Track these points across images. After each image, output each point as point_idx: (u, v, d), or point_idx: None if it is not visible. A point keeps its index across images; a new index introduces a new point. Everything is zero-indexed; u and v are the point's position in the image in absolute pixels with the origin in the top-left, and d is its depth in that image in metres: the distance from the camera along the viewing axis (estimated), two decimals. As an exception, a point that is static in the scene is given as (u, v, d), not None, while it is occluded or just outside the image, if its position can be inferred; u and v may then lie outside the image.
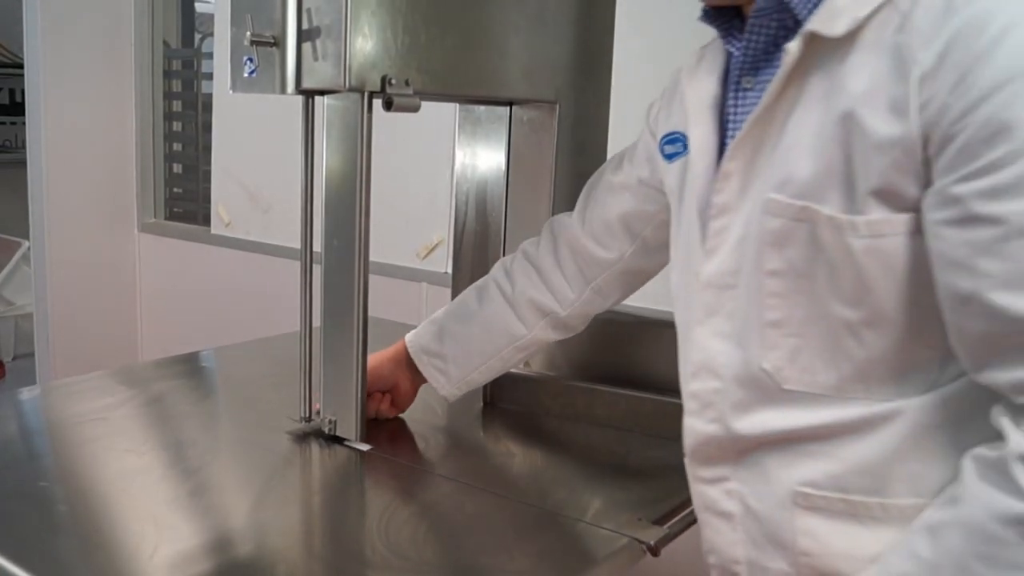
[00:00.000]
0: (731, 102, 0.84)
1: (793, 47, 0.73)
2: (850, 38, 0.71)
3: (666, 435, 1.24)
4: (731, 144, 0.80)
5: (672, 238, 0.93)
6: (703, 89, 0.87)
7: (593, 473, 1.15)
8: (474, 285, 1.24)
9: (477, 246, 1.49)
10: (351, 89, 1.04)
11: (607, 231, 1.12)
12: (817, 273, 0.74)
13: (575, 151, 1.40)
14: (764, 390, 0.78)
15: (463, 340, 1.21)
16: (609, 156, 1.48)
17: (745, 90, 0.82)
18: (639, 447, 1.23)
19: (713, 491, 0.84)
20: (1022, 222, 0.61)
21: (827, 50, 0.72)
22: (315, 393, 1.20)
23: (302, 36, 1.05)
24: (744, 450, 0.81)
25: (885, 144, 0.67)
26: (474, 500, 1.06)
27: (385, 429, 1.24)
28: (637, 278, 1.15)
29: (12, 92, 4.26)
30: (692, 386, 0.85)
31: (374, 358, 1.23)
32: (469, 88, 1.23)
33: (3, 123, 4.28)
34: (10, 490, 1.00)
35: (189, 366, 1.57)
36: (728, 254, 0.80)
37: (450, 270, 1.60)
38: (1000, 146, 0.61)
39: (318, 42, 1.05)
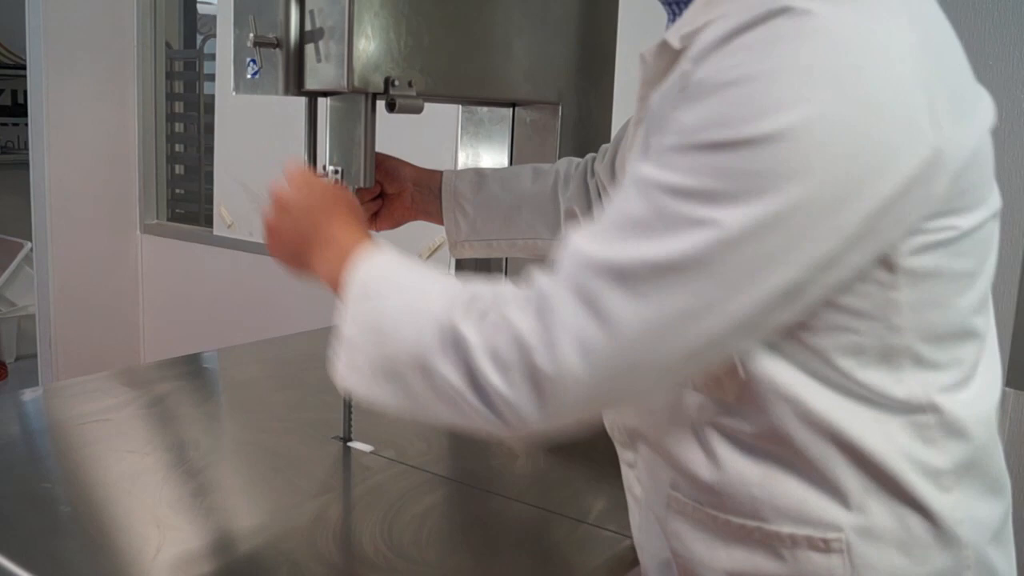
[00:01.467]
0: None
1: (647, 54, 0.72)
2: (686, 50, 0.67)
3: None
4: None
5: None
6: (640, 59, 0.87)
7: (596, 474, 1.15)
8: (534, 165, 1.19)
9: (479, 247, 1.49)
10: (354, 91, 1.05)
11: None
12: None
13: (577, 152, 1.40)
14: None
15: (497, 206, 1.16)
16: (611, 157, 1.48)
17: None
18: (641, 448, 1.23)
19: (629, 474, 0.84)
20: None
21: (678, 58, 0.69)
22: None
23: (305, 37, 1.06)
24: (637, 442, 0.80)
25: None
26: (477, 501, 1.06)
27: (388, 430, 1.24)
28: None
29: (14, 93, 4.27)
30: None
31: (398, 159, 1.18)
32: (472, 90, 1.24)
33: (5, 124, 4.29)
34: (13, 491, 1.00)
35: (191, 367, 1.57)
36: None
37: (453, 271, 1.60)
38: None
39: (321, 43, 1.05)
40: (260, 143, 2.67)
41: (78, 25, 2.90)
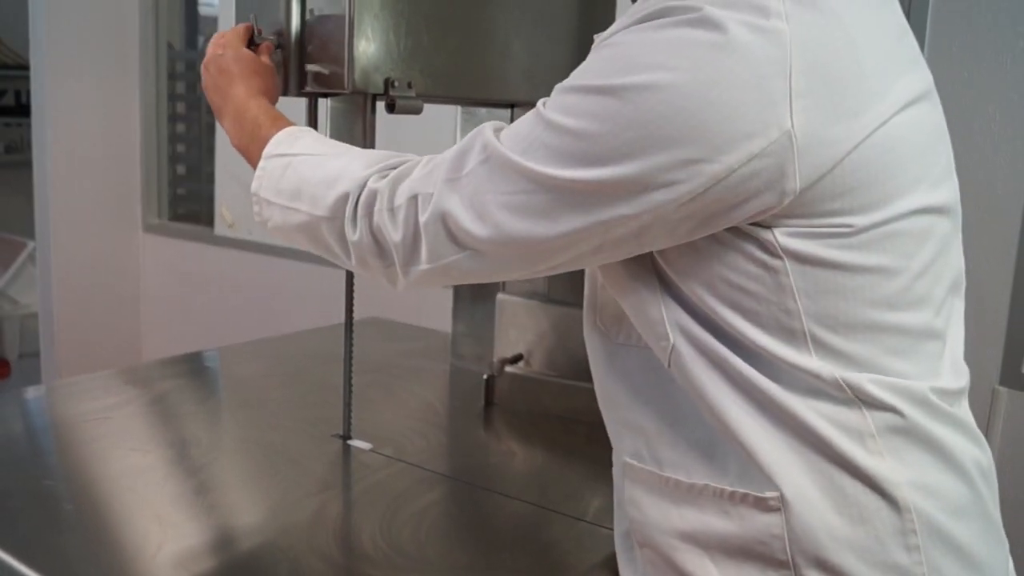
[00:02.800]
0: None
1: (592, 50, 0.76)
2: None
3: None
4: None
5: None
6: None
7: (594, 472, 1.15)
8: None
9: (479, 247, 1.49)
10: (354, 91, 1.05)
11: None
12: None
13: (576, 153, 1.40)
14: (602, 346, 0.82)
15: None
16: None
17: None
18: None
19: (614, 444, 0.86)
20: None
21: None
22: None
23: (305, 39, 1.06)
24: (605, 412, 0.83)
25: None
26: (475, 499, 1.07)
27: (387, 428, 1.25)
28: None
29: (18, 94, 4.28)
30: None
31: None
32: (471, 90, 1.24)
33: (9, 125, 4.29)
34: (15, 488, 1.01)
35: (193, 365, 1.58)
36: None
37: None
38: None
39: (321, 44, 1.05)
40: (262, 143, 2.67)
41: (81, 26, 2.91)
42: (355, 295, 1.19)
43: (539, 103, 0.70)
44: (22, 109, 4.15)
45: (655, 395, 0.75)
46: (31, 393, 1.39)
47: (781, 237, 0.65)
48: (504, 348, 1.43)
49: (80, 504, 0.98)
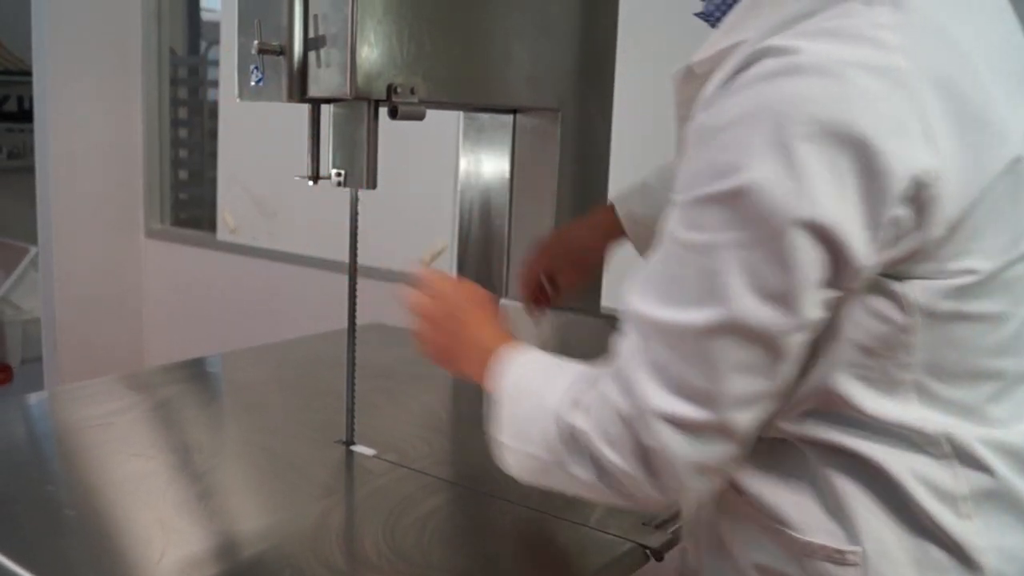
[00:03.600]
0: None
1: (676, 76, 0.75)
2: (705, 76, 0.70)
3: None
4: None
5: None
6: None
7: (596, 478, 1.15)
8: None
9: (481, 252, 1.49)
10: (357, 97, 1.05)
11: None
12: None
13: (578, 158, 1.40)
14: None
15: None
16: (612, 164, 1.49)
17: None
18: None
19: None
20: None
21: (703, 82, 0.71)
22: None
23: (308, 44, 1.06)
24: None
25: None
26: (478, 505, 1.07)
27: (390, 434, 1.25)
28: None
29: (20, 99, 4.28)
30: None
31: (564, 230, 1.26)
32: (473, 96, 1.24)
33: (11, 130, 4.30)
34: (18, 494, 1.01)
35: (195, 371, 1.58)
36: None
37: (455, 276, 1.61)
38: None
39: (324, 50, 1.06)
40: (263, 149, 2.68)
41: (83, 31, 2.91)
42: (358, 300, 1.19)
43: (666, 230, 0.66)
44: (25, 115, 4.15)
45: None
46: (33, 399, 1.39)
47: (913, 291, 0.62)
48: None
49: (82, 510, 0.98)
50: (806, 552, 0.69)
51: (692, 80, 0.73)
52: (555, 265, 1.23)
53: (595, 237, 1.22)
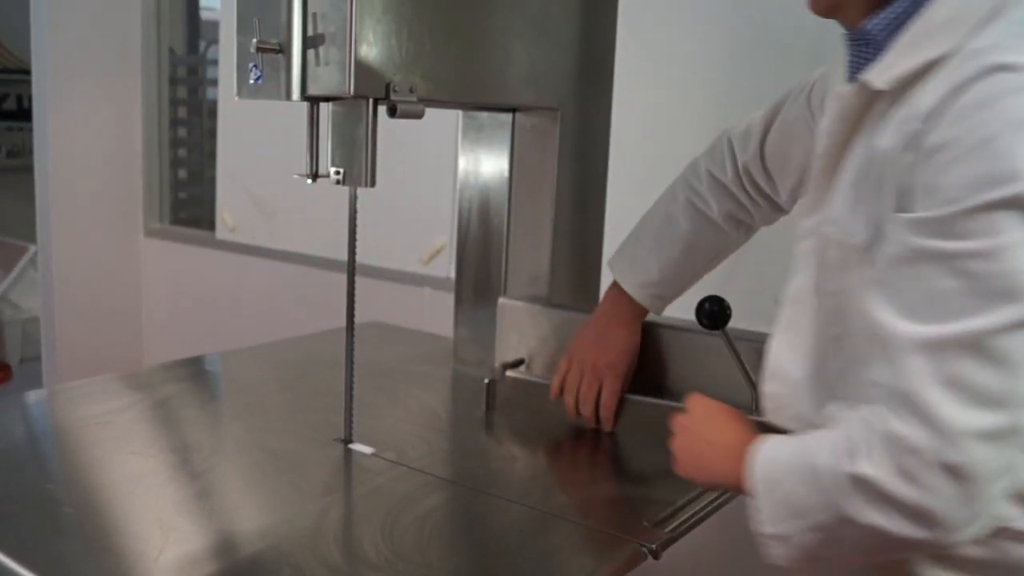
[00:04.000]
0: None
1: (846, 93, 0.78)
2: (894, 94, 0.74)
3: (666, 448, 1.25)
4: (810, 174, 0.86)
5: None
6: (834, 94, 0.89)
7: (595, 476, 1.15)
8: (663, 209, 1.25)
9: (480, 251, 1.49)
10: (356, 96, 1.05)
11: (779, 166, 1.14)
12: (864, 296, 0.77)
13: (577, 157, 1.41)
14: (826, 398, 0.84)
15: (673, 263, 1.23)
16: (611, 163, 1.49)
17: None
18: (641, 450, 1.23)
19: None
20: None
21: (878, 98, 0.76)
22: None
23: (307, 43, 1.06)
24: None
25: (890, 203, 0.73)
26: (477, 503, 1.07)
27: (389, 433, 1.25)
28: None
29: (19, 98, 4.28)
30: (764, 387, 0.94)
31: (609, 343, 1.27)
32: (472, 95, 1.24)
33: (10, 129, 4.30)
34: (17, 493, 1.01)
35: (194, 370, 1.58)
36: (806, 274, 0.88)
37: (453, 275, 1.61)
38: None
39: (323, 49, 1.06)
40: (262, 147, 2.68)
41: (83, 30, 2.91)
42: (357, 299, 1.19)
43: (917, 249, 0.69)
44: (24, 113, 4.15)
45: None
46: (32, 397, 1.39)
47: None
48: (506, 352, 1.43)
49: (81, 508, 0.98)
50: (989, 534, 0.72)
51: (867, 96, 0.77)
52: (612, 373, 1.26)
53: (633, 336, 1.26)
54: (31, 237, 3.25)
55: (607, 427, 1.25)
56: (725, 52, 1.75)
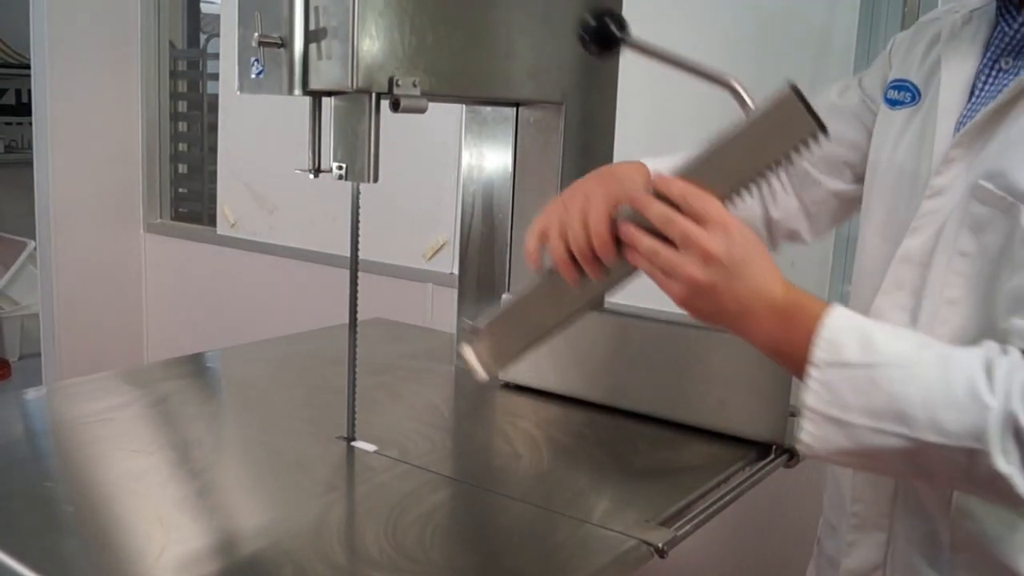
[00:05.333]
0: (983, 77, 0.84)
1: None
2: None
3: (671, 445, 1.25)
4: (961, 131, 0.81)
5: (867, 188, 0.95)
6: (961, 62, 0.85)
7: (600, 474, 1.15)
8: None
9: (483, 247, 1.49)
10: (358, 90, 1.05)
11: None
12: (1003, 262, 0.75)
13: (581, 152, 1.40)
14: None
15: None
16: (616, 158, 1.48)
17: (1002, 71, 0.82)
18: (647, 448, 1.23)
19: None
20: None
21: None
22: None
23: (309, 37, 1.06)
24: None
25: None
26: (481, 502, 1.06)
27: (391, 430, 1.24)
28: (843, 207, 1.09)
29: (18, 92, 4.28)
30: None
31: (613, 176, 0.95)
32: (476, 89, 1.23)
33: (9, 123, 4.30)
34: (16, 490, 1.00)
35: (195, 366, 1.57)
36: (931, 234, 0.83)
37: (456, 271, 1.60)
38: None
39: (325, 43, 1.05)
40: (264, 142, 2.67)
41: (82, 24, 2.90)
42: (359, 295, 1.18)
43: None
44: (23, 108, 4.14)
45: None
46: (32, 394, 1.38)
47: None
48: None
49: (81, 506, 0.97)
50: None
51: None
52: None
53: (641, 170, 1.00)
54: (30, 233, 3.24)
55: (606, 258, 0.82)
56: (729, 44, 1.74)
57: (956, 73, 0.86)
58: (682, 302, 0.76)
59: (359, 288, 1.18)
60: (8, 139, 4.29)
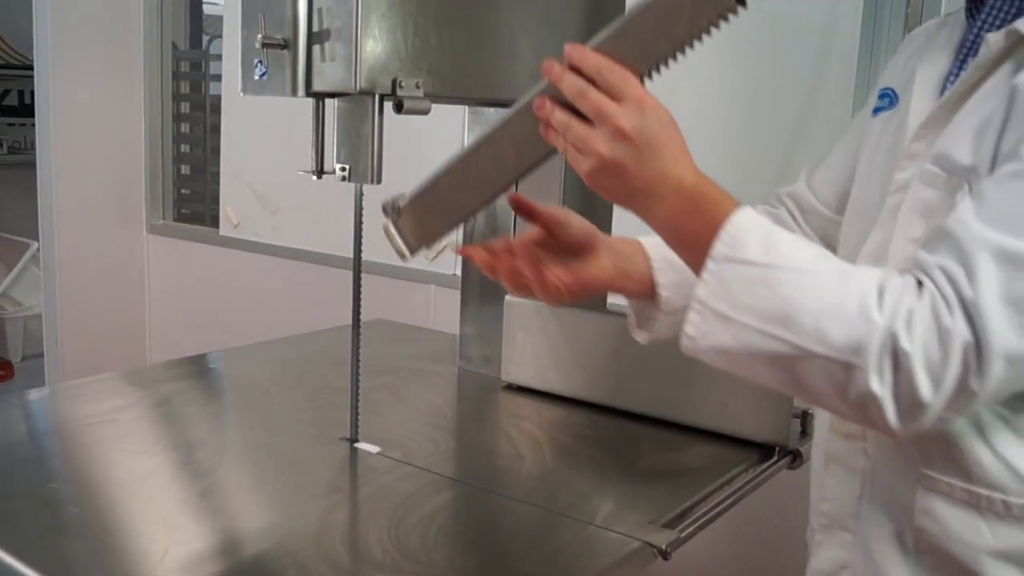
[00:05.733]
0: (951, 78, 0.85)
1: (994, 39, 0.76)
2: None
3: (674, 447, 1.25)
4: (918, 125, 0.82)
5: (851, 196, 0.96)
6: (934, 63, 0.87)
7: (603, 476, 1.14)
8: None
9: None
10: (361, 92, 1.05)
11: (825, 183, 1.06)
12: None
13: (584, 153, 1.39)
14: None
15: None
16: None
17: (966, 69, 0.83)
18: (650, 450, 1.23)
19: (847, 445, 0.86)
20: None
21: (1020, 45, 0.74)
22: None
23: (312, 38, 1.06)
24: None
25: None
26: (484, 503, 1.06)
27: (394, 431, 1.24)
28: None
29: (21, 94, 4.28)
30: None
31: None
32: (479, 90, 1.23)
33: (12, 124, 4.30)
34: (20, 491, 1.00)
35: (198, 367, 1.57)
36: (885, 230, 0.83)
37: (459, 272, 1.60)
38: None
39: (328, 44, 1.05)
40: (266, 143, 2.67)
41: (85, 25, 2.90)
42: (362, 296, 1.18)
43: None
44: (26, 109, 4.15)
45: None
46: (35, 395, 1.38)
47: None
48: (512, 351, 1.42)
49: (84, 507, 0.97)
50: None
51: (1013, 41, 0.75)
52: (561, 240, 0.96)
53: (614, 246, 0.99)
54: (33, 234, 3.24)
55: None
56: (731, 46, 1.73)
57: (928, 75, 0.87)
58: (590, 179, 0.75)
59: (362, 289, 1.18)
60: (11, 140, 4.29)
